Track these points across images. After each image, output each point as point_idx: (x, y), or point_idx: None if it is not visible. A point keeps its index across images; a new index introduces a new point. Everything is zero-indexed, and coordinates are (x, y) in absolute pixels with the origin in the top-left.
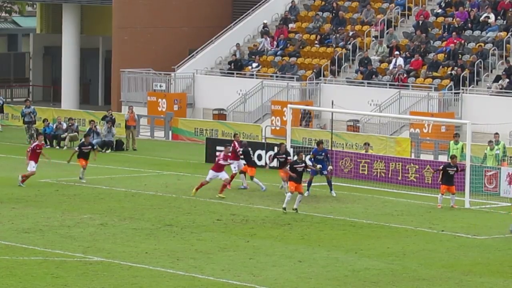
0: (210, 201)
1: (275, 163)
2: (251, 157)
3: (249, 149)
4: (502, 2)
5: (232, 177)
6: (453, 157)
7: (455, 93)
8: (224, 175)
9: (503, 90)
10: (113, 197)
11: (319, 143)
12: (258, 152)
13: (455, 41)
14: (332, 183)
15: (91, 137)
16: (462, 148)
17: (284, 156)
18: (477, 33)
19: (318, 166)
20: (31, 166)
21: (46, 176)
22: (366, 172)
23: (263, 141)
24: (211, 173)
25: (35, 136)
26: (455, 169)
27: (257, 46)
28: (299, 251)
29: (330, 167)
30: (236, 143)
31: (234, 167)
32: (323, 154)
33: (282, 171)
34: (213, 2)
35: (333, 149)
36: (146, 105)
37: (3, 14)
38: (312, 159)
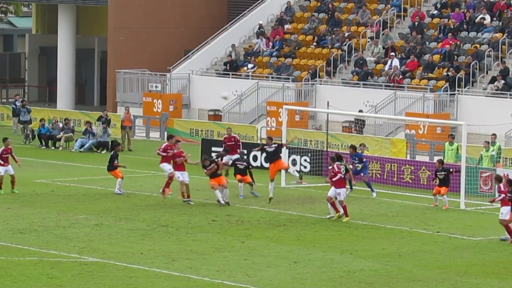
0: (205, 201)
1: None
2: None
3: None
4: (498, 3)
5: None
6: (438, 161)
7: (450, 94)
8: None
9: (499, 91)
10: (109, 198)
11: (350, 147)
12: (253, 153)
13: (450, 42)
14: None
15: (86, 137)
16: (457, 149)
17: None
18: (472, 34)
19: (349, 166)
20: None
21: (42, 176)
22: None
23: (259, 142)
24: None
25: (30, 136)
26: (444, 172)
27: (252, 47)
28: (294, 252)
29: (350, 166)
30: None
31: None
32: (356, 158)
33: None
34: (209, 3)
35: (328, 150)
36: (142, 106)
37: None
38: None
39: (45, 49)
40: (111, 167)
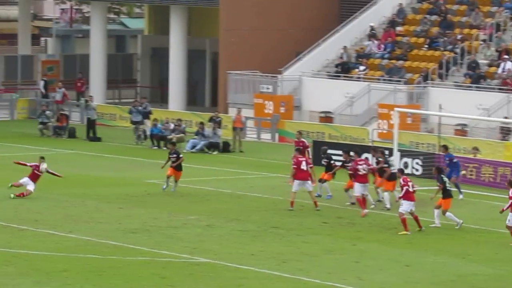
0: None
1: None
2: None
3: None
4: None
5: None
6: None
7: None
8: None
9: None
10: (219, 199)
11: (442, 146)
12: (364, 155)
13: None
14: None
15: (198, 138)
16: None
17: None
18: None
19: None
20: None
21: (153, 177)
22: (474, 177)
23: (370, 144)
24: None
25: (142, 136)
26: None
27: (364, 49)
28: (406, 255)
29: (454, 176)
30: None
31: None
32: (447, 158)
33: None
34: (320, 4)
35: (440, 153)
36: (253, 107)
37: (112, 16)
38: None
39: (157, 50)
40: None
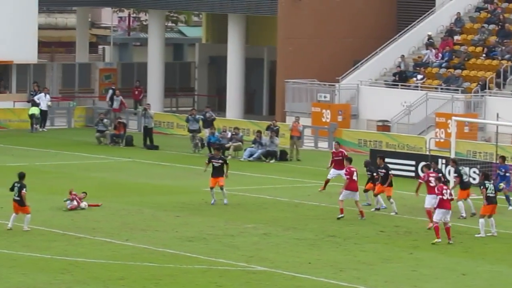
0: (373, 212)
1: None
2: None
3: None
4: None
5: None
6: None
7: None
8: None
9: None
10: (277, 207)
11: (500, 157)
12: (423, 164)
13: None
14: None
15: (256, 146)
16: None
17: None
18: None
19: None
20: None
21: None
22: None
23: (427, 153)
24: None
25: (199, 145)
26: None
27: (421, 58)
28: (462, 264)
29: (501, 184)
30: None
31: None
32: (503, 170)
33: None
34: (378, 13)
35: (497, 162)
36: (310, 116)
37: (169, 24)
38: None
39: (215, 58)
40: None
